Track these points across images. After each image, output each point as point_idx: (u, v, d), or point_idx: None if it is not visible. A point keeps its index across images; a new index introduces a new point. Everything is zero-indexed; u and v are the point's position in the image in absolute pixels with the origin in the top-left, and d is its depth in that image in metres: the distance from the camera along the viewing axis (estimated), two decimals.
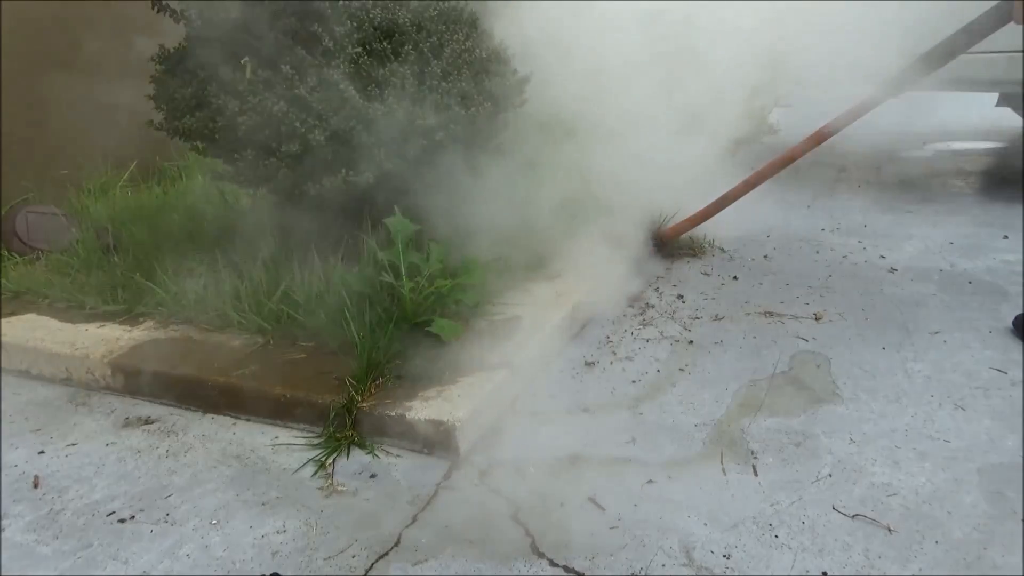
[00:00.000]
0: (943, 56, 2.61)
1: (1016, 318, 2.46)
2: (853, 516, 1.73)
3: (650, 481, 1.89)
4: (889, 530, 1.68)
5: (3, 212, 3.58)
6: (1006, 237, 3.39)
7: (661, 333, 2.67)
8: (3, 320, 2.80)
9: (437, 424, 2.04)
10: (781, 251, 3.41)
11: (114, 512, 1.90)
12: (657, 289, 3.05)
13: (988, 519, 1.70)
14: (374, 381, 2.22)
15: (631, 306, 2.90)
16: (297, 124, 2.57)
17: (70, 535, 1.83)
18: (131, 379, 2.46)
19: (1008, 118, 5.42)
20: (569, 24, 2.92)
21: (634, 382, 2.37)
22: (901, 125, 5.82)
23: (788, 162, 2.92)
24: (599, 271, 2.87)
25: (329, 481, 1.98)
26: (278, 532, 1.80)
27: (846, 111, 2.78)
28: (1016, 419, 2.05)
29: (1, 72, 3.80)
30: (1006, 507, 1.73)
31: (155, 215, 3.66)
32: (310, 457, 2.07)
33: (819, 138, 2.87)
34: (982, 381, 2.24)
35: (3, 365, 2.67)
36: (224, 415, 2.32)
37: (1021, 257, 3.13)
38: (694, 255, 3.37)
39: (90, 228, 3.45)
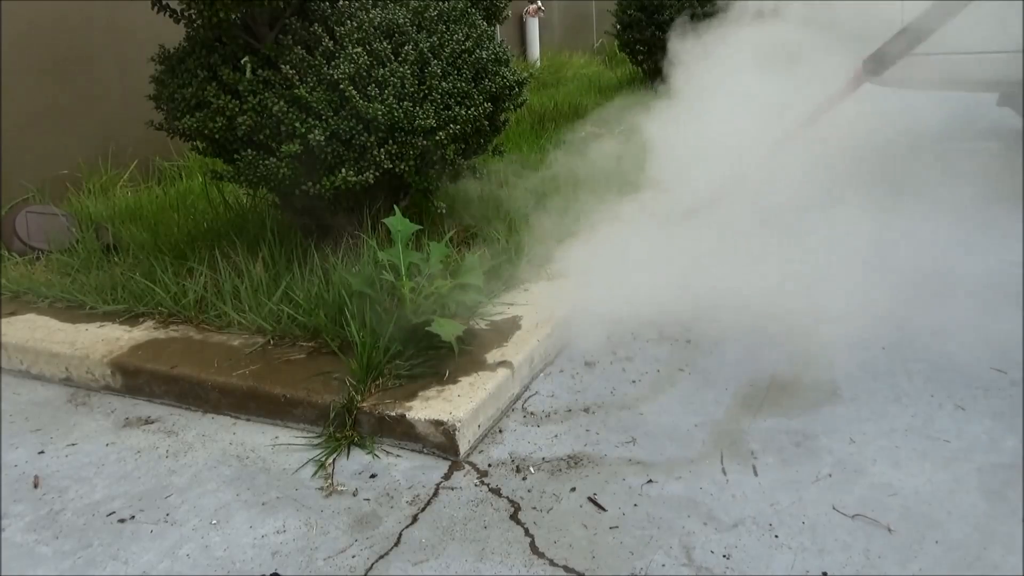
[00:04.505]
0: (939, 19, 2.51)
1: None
2: (853, 516, 1.73)
3: (650, 481, 1.89)
4: (889, 530, 1.68)
5: (3, 212, 3.58)
6: (1006, 237, 3.39)
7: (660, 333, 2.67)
8: (3, 320, 2.80)
9: (437, 424, 2.04)
10: None
11: (114, 512, 1.90)
12: None
13: (988, 519, 1.70)
14: (374, 381, 2.22)
15: None
16: (297, 124, 2.57)
17: (70, 535, 1.83)
18: (131, 379, 2.46)
19: (1008, 118, 5.41)
20: None
21: (634, 382, 2.37)
22: (900, 124, 5.81)
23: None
24: None
25: (329, 481, 1.98)
26: (278, 532, 1.80)
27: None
28: (1016, 419, 2.05)
29: (1, 72, 3.80)
30: (1006, 507, 1.73)
31: (155, 215, 3.66)
32: (310, 457, 2.07)
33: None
34: (982, 381, 2.24)
35: (3, 365, 2.67)
36: (224, 415, 2.32)
37: (1021, 257, 3.13)
38: None
39: (90, 228, 3.45)
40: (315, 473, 2.01)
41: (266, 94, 2.61)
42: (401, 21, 2.71)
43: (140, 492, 1.98)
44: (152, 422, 2.32)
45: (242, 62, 2.65)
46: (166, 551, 1.76)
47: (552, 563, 1.65)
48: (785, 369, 2.39)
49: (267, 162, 2.64)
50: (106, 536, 1.82)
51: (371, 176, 2.66)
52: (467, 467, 2.01)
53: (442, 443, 2.05)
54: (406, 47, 2.69)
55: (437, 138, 2.70)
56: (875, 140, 3.97)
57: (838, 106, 2.78)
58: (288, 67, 2.60)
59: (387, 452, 2.09)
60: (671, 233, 3.02)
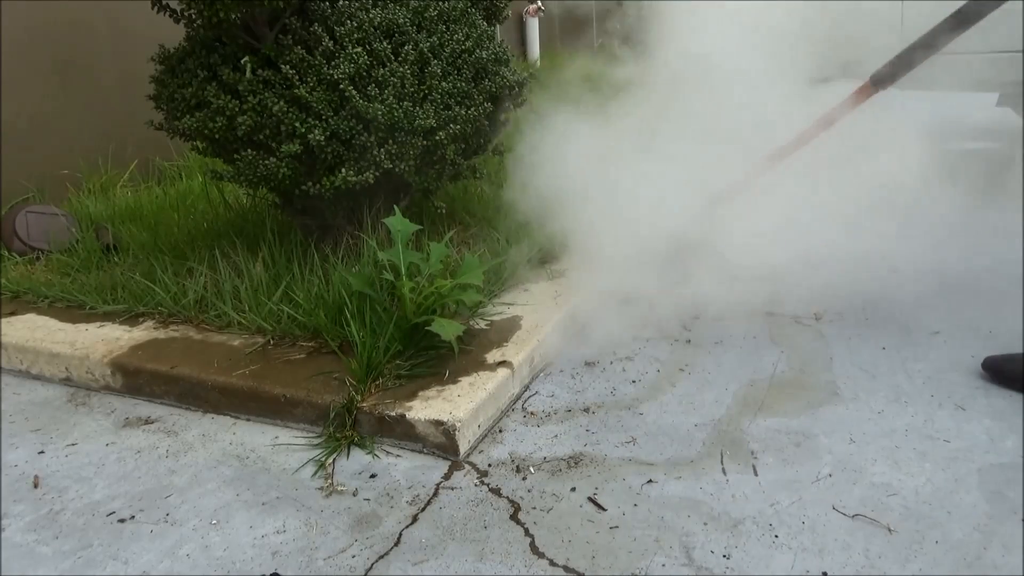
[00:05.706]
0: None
1: (986, 360, 2.28)
2: (853, 516, 1.73)
3: (650, 481, 1.89)
4: (889, 530, 1.68)
5: (3, 212, 3.58)
6: (1006, 236, 3.39)
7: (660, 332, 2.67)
8: (3, 320, 2.80)
9: (437, 424, 2.04)
10: None
11: (114, 512, 1.90)
12: None
13: (988, 519, 1.70)
14: (374, 381, 2.22)
15: None
16: (297, 124, 2.57)
17: (70, 535, 1.83)
18: (131, 379, 2.46)
19: (1008, 118, 5.41)
20: None
21: (634, 382, 2.37)
22: (899, 124, 5.81)
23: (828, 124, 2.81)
24: None
25: (329, 481, 1.98)
26: (278, 532, 1.80)
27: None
28: (1016, 419, 2.05)
29: (1, 72, 3.80)
30: (1006, 507, 1.73)
31: (155, 215, 3.66)
32: (310, 457, 2.08)
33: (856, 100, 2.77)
34: (982, 381, 2.24)
35: (3, 365, 2.68)
36: (224, 415, 2.32)
37: (1021, 257, 3.13)
38: None
39: (90, 228, 3.45)
40: (315, 473, 2.01)
41: (266, 94, 2.61)
42: (401, 21, 2.71)
43: (140, 492, 1.98)
44: (152, 422, 2.32)
45: (242, 62, 2.65)
46: (166, 551, 1.76)
47: (552, 563, 1.65)
48: (785, 369, 2.39)
49: (267, 162, 2.64)
50: (106, 536, 1.82)
51: (371, 176, 2.66)
52: (467, 467, 2.01)
53: (442, 443, 2.05)
54: (406, 47, 2.69)
55: (437, 138, 2.70)
56: (872, 139, 3.96)
57: (842, 119, 2.78)
58: (288, 67, 2.60)
59: (387, 452, 2.09)
60: (668, 231, 3.02)
